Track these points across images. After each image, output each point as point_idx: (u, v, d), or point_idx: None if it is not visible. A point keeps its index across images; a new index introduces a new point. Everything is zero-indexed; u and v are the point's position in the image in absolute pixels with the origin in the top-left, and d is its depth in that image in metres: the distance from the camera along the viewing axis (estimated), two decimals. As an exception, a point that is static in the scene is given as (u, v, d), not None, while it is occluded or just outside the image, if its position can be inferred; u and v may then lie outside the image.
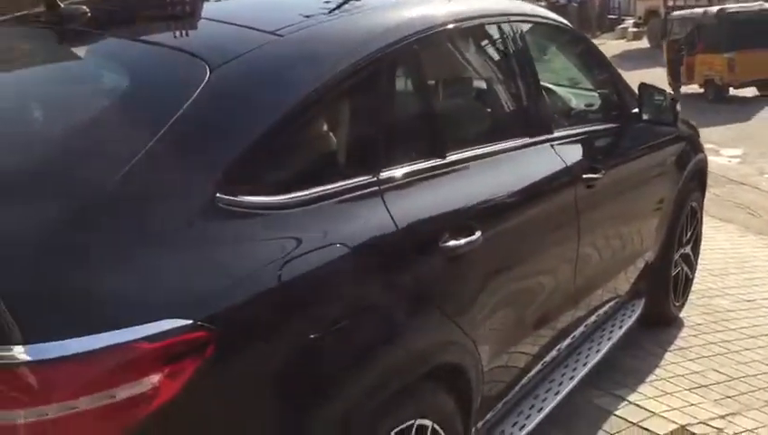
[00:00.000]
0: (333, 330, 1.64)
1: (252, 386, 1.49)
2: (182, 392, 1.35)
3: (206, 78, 1.69)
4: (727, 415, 3.14)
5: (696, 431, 2.98)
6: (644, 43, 24.89)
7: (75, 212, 1.40)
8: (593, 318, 3.20)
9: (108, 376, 1.29)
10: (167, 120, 1.58)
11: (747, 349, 3.96)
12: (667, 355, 3.77)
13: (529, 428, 2.61)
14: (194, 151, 1.58)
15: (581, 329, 3.08)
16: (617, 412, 3.14)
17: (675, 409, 3.17)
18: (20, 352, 1.24)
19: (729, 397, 3.35)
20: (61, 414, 1.25)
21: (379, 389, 1.75)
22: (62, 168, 1.51)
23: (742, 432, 3.01)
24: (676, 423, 3.04)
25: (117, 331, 1.30)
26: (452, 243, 2.01)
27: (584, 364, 3.08)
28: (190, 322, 1.37)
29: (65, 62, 2.04)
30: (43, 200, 1.43)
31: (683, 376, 3.53)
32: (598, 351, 3.20)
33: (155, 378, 1.32)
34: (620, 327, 3.45)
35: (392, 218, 1.88)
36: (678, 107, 3.41)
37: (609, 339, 3.31)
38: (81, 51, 2.02)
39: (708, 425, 3.04)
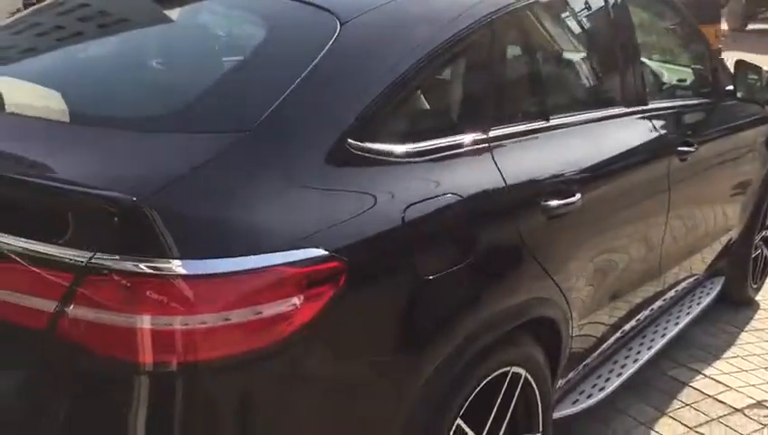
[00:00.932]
0: (448, 272, 1.74)
1: (374, 316, 1.61)
2: (319, 316, 1.47)
3: (338, 31, 1.80)
4: (805, 395, 3.16)
5: (772, 407, 3.01)
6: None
7: (228, 147, 1.53)
8: (673, 292, 3.24)
9: (255, 295, 1.41)
10: (302, 71, 1.69)
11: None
12: (742, 335, 3.78)
13: (607, 391, 2.69)
14: (328, 100, 1.69)
15: (661, 301, 3.13)
16: (692, 384, 3.19)
17: (751, 385, 3.19)
18: (177, 266, 1.37)
19: (807, 378, 3.36)
20: (213, 324, 1.38)
21: (485, 332, 1.86)
22: (215, 109, 1.65)
23: (820, 412, 3.02)
24: (752, 399, 3.07)
25: (264, 255, 1.43)
26: (553, 202, 2.09)
27: (662, 336, 3.14)
28: (327, 253, 1.49)
29: (206, 14, 2.18)
30: (200, 135, 1.57)
31: (759, 355, 3.54)
32: (676, 324, 3.25)
33: (297, 300, 1.45)
34: (698, 304, 3.49)
35: (500, 174, 1.97)
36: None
37: (687, 314, 3.36)
38: (218, 4, 2.15)
39: (785, 403, 3.07)
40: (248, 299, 1.41)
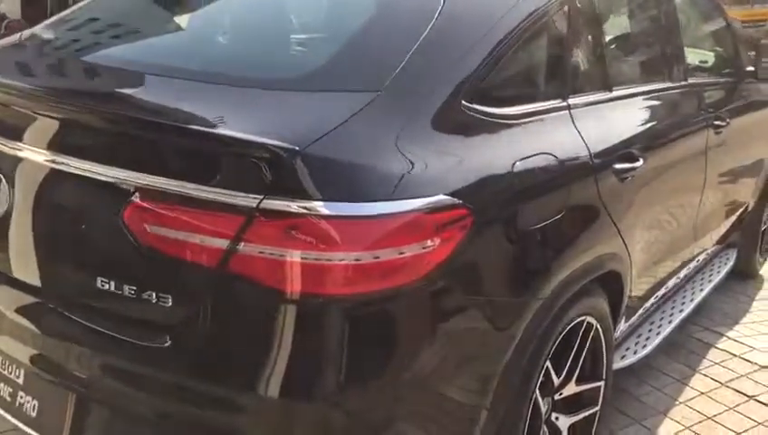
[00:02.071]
0: (547, 224, 1.91)
1: (490, 259, 1.77)
2: (450, 256, 1.62)
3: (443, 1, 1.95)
4: (821, 356, 3.39)
5: (795, 365, 3.24)
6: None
7: (366, 104, 1.66)
8: (701, 258, 3.46)
9: (400, 236, 1.56)
10: (417, 37, 1.83)
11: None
12: (755, 304, 4.02)
13: (649, 348, 2.89)
14: (442, 65, 1.83)
15: (692, 266, 3.34)
16: (718, 345, 3.41)
17: (770, 346, 3.43)
18: (321, 207, 1.50)
19: (820, 341, 3.60)
20: (358, 262, 1.52)
21: (573, 282, 2.03)
22: (348, 70, 1.79)
23: (837, 370, 3.26)
24: (775, 357, 3.30)
25: (407, 200, 1.58)
26: (623, 165, 2.27)
27: (691, 301, 3.35)
28: (458, 200, 1.65)
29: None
30: (339, 93, 1.71)
31: (773, 321, 3.78)
32: (701, 290, 3.47)
33: (433, 242, 1.60)
34: (719, 272, 3.71)
35: (581, 137, 2.14)
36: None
37: (710, 281, 3.58)
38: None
39: (806, 361, 3.30)
40: (393, 240, 1.56)
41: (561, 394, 2.22)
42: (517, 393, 1.91)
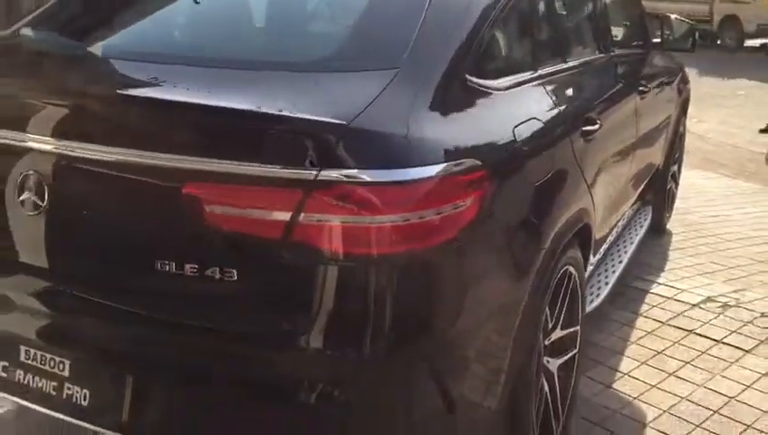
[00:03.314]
0: (544, 180, 2.14)
1: (506, 215, 1.96)
2: (478, 214, 1.80)
3: None
4: (737, 290, 3.82)
5: (720, 300, 3.64)
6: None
7: (390, 81, 1.80)
8: (629, 213, 3.81)
9: (438, 197, 1.72)
10: (418, 19, 1.99)
11: (729, 248, 4.66)
12: (671, 253, 4.45)
13: (601, 298, 3.18)
14: (450, 43, 2.00)
15: (624, 220, 3.69)
16: (652, 291, 3.78)
17: (696, 287, 3.83)
18: (363, 174, 1.64)
19: (732, 279, 4.04)
20: (410, 222, 1.67)
21: (565, 232, 2.26)
22: (365, 52, 1.93)
23: (754, 300, 3.69)
24: (702, 296, 3.70)
25: (442, 164, 1.73)
26: (588, 127, 2.53)
27: (625, 252, 3.69)
28: (479, 162, 1.82)
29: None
30: (365, 72, 1.85)
31: (690, 266, 4.21)
32: (632, 242, 3.82)
33: (465, 202, 1.77)
34: (642, 227, 4.09)
35: (555, 104, 2.37)
36: (696, 35, 4.01)
37: (637, 235, 3.95)
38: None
39: (727, 296, 3.71)
40: (434, 201, 1.71)
41: (550, 339, 2.45)
42: (532, 336, 2.12)
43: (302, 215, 1.63)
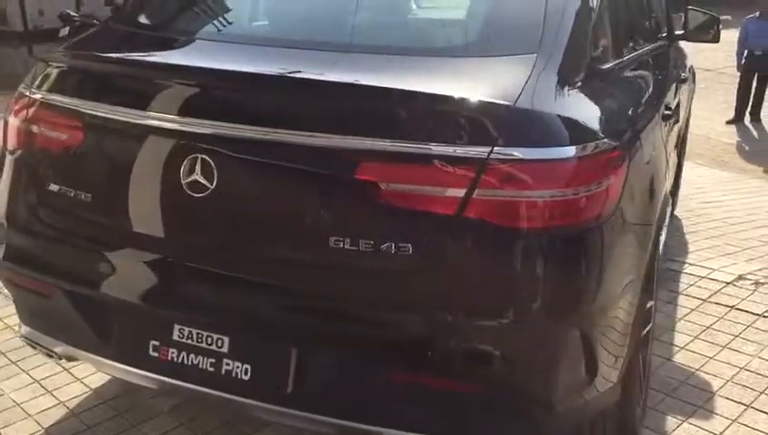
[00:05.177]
0: (650, 161, 2.27)
1: (635, 189, 2.07)
2: (620, 190, 1.92)
3: None
4: (761, 269, 4.03)
5: (750, 278, 3.84)
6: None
7: (532, 65, 1.90)
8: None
9: (593, 174, 1.82)
10: (542, 9, 2.09)
11: (738, 231, 4.90)
12: (687, 237, 4.65)
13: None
14: (576, 28, 2.10)
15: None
16: (686, 271, 3.96)
17: (725, 266, 4.03)
18: (516, 152, 1.73)
19: (752, 259, 4.26)
20: (562, 198, 1.77)
21: (663, 212, 2.40)
22: (504, 37, 2.04)
23: (779, 278, 3.92)
24: (733, 274, 3.89)
25: (594, 142, 1.84)
26: (667, 112, 2.68)
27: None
28: (615, 142, 1.94)
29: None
30: (508, 57, 1.95)
31: (710, 248, 4.42)
32: (664, 226, 4.00)
33: (609, 179, 1.88)
34: (670, 208, 4.27)
35: (644, 87, 2.51)
36: (720, 26, 4.19)
37: (668, 216, 4.13)
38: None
39: (755, 274, 3.91)
40: (586, 177, 1.82)
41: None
42: (645, 307, 2.25)
43: (476, 191, 1.71)
